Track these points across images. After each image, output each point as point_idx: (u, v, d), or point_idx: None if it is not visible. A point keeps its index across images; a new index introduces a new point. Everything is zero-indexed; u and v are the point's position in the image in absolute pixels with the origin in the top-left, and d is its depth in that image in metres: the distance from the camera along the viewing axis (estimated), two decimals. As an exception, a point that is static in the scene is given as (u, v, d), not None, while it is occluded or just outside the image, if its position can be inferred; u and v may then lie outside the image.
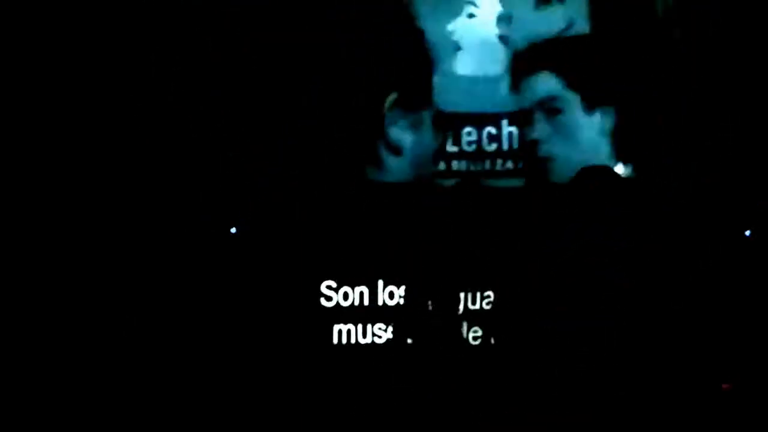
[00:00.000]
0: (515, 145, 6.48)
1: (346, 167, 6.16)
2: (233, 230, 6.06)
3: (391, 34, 6.28)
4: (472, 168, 6.46)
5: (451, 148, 6.46)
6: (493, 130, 6.47)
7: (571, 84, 6.35)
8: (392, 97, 6.24)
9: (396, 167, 6.28)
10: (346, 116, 6.17)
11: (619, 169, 6.12)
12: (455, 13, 6.48)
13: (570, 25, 6.41)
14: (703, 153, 6.25)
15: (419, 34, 6.34)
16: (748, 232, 6.02)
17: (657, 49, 6.36)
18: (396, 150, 6.23)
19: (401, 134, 6.25)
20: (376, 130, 6.23)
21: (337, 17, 6.21)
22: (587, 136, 6.35)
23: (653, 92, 6.33)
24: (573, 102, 6.34)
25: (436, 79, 6.40)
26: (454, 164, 6.46)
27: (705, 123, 6.26)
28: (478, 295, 6.00)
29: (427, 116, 6.29)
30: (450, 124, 6.42)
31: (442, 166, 6.43)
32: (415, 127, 6.26)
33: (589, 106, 6.33)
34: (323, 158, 6.13)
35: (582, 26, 6.42)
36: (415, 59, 6.31)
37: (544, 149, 6.37)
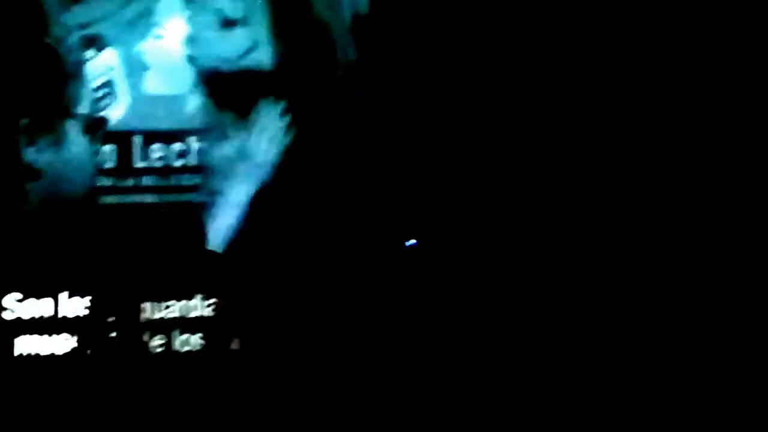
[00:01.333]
0: (204, 162, 6.75)
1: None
2: None
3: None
4: (160, 183, 6.67)
5: (139, 164, 6.67)
6: (181, 146, 6.72)
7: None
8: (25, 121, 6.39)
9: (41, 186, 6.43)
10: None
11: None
12: (143, 34, 6.69)
13: (252, 47, 6.73)
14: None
15: (51, 50, 6.50)
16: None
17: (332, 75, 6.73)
18: (35, 173, 6.37)
19: (40, 156, 6.41)
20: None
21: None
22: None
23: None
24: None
25: (120, 98, 6.62)
26: (143, 180, 6.67)
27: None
28: (162, 305, 6.21)
29: (73, 135, 6.45)
30: (126, 140, 6.64)
31: (130, 182, 6.64)
32: (56, 147, 6.41)
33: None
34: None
35: (265, 49, 6.74)
36: (48, 77, 6.46)
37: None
